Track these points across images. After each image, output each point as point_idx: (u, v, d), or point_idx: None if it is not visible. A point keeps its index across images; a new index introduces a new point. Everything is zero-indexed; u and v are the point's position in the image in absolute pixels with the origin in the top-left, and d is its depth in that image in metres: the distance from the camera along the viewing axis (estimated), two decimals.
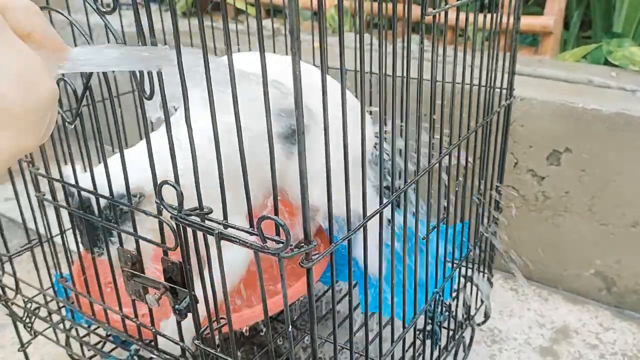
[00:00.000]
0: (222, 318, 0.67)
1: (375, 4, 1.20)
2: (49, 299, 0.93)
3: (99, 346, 0.94)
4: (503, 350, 1.15)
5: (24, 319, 0.95)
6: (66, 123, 0.63)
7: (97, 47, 0.46)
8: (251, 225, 0.57)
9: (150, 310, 0.69)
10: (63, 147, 0.73)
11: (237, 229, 0.57)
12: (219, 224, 0.59)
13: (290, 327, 0.57)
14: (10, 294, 0.95)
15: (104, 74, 0.58)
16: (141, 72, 0.57)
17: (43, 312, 0.96)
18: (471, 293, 1.05)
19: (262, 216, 0.52)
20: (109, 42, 0.82)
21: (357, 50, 1.10)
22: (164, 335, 0.69)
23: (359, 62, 0.58)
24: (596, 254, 1.24)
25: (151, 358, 0.78)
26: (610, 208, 1.19)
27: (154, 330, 0.70)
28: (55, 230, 0.86)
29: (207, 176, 0.58)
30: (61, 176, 0.71)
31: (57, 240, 0.93)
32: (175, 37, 0.52)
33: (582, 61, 1.48)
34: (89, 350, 0.97)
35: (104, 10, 0.57)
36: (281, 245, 0.52)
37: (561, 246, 1.28)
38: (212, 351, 0.65)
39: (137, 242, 0.66)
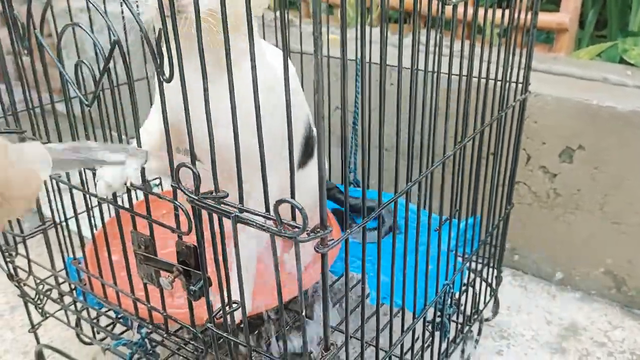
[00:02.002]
0: (235, 302, 0.67)
1: None
2: (60, 280, 0.94)
3: (109, 328, 0.95)
4: (510, 346, 1.15)
5: (35, 300, 0.96)
6: (84, 105, 0.63)
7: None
8: (267, 210, 0.57)
9: (162, 293, 0.69)
10: (78, 130, 0.73)
11: (253, 213, 0.57)
12: (235, 207, 0.59)
13: (304, 311, 0.57)
14: (23, 275, 0.96)
15: (122, 55, 0.58)
16: (160, 55, 0.58)
17: (54, 295, 0.97)
18: (480, 288, 1.05)
19: (280, 200, 0.52)
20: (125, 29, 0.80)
21: (373, 44, 1.10)
22: (175, 320, 0.70)
23: (380, 56, 0.58)
24: (607, 253, 1.24)
25: (162, 340, 0.78)
26: (623, 206, 1.18)
27: (164, 314, 0.70)
28: (63, 216, 0.87)
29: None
30: None
31: (66, 224, 0.94)
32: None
33: (597, 59, 1.47)
34: (98, 332, 0.98)
35: None
36: (298, 229, 0.53)
37: (571, 244, 1.27)
38: (225, 334, 0.65)
39: (150, 226, 0.66)
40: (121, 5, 0.57)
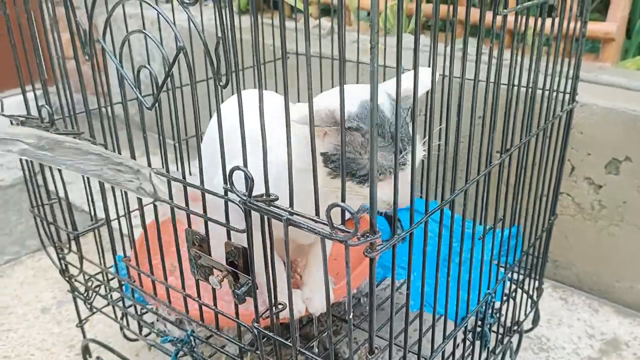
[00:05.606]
0: (280, 304, 0.69)
1: (429, 5, 1.21)
2: (110, 277, 0.97)
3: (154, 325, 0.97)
4: (550, 359, 1.13)
5: (84, 295, 1.00)
6: (144, 108, 0.66)
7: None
8: (317, 214, 0.59)
9: (214, 291, 0.71)
10: (130, 132, 0.76)
11: (304, 216, 0.58)
12: (285, 210, 0.60)
13: (351, 314, 0.58)
14: (73, 271, 1.00)
15: (187, 61, 0.61)
16: (218, 60, 0.60)
17: (101, 291, 1.00)
18: (521, 299, 1.04)
19: (332, 204, 0.53)
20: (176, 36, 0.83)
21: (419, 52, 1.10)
22: (225, 315, 0.72)
23: (431, 64, 0.59)
24: None
25: (208, 338, 0.80)
26: None
27: (216, 309, 0.72)
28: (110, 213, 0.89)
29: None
30: (133, 157, 0.74)
31: (118, 222, 0.97)
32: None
33: None
34: (144, 327, 1.00)
35: (187, 2, 0.59)
36: (349, 233, 0.54)
37: (615, 257, 1.25)
38: (272, 334, 0.66)
39: (205, 223, 0.68)
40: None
